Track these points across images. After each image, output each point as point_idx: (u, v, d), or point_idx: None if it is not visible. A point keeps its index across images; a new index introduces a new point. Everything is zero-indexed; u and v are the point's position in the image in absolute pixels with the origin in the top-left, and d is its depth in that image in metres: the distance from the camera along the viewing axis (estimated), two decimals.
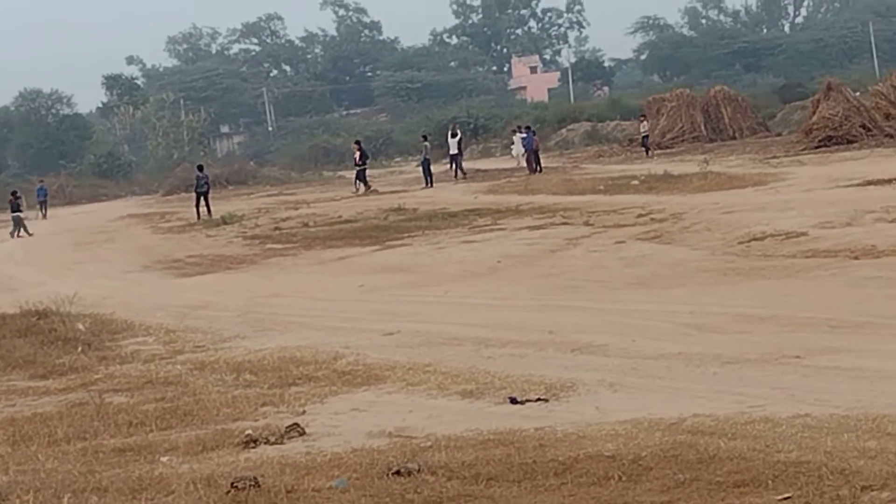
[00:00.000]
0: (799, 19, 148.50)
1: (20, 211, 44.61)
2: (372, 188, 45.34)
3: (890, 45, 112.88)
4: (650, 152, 53.79)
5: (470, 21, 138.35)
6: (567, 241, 24.55)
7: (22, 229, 42.97)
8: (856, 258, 17.94)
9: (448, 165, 51.96)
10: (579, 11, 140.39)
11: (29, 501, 8.92)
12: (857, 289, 15.66)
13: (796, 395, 10.17)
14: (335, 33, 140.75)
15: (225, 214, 38.88)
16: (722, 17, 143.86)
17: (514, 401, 11.11)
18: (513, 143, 58.80)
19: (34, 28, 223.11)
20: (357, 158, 46.95)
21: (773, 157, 44.93)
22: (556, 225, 27.51)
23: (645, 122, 57.94)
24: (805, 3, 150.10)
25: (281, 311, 19.36)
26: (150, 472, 9.45)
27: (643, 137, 56.27)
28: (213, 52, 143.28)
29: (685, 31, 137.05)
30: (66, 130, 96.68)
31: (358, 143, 49.60)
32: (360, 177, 46.51)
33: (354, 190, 46.02)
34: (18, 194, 46.66)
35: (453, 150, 51.05)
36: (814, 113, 49.65)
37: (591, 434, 9.50)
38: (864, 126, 47.03)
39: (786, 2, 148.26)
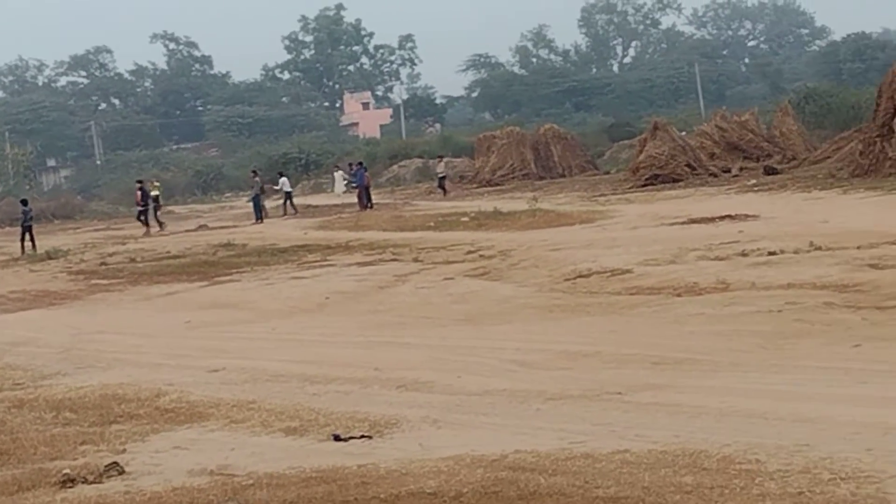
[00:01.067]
0: (627, 59, 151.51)
1: None
2: (152, 230, 43.44)
3: (715, 86, 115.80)
4: (447, 193, 53.92)
5: (302, 57, 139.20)
6: (396, 277, 24.55)
7: None
8: (678, 295, 18.14)
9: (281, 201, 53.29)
10: (411, 49, 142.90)
11: None
12: (679, 325, 15.83)
13: (617, 430, 10.24)
14: (165, 67, 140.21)
15: (50, 249, 38.19)
16: (552, 56, 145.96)
17: (337, 438, 11.10)
18: (334, 181, 60.49)
19: None
20: (138, 198, 45.90)
21: (601, 195, 45.99)
22: (385, 261, 27.52)
23: (441, 163, 57.96)
24: (633, 44, 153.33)
25: (105, 347, 18.96)
26: None
27: (440, 178, 56.26)
28: (40, 84, 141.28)
29: (516, 69, 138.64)
30: None
31: (140, 182, 48.54)
32: (141, 217, 45.15)
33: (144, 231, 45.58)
34: None
35: (287, 188, 50.74)
36: (641, 152, 50.98)
37: (413, 471, 9.46)
38: (689, 165, 48.58)
39: (614, 42, 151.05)
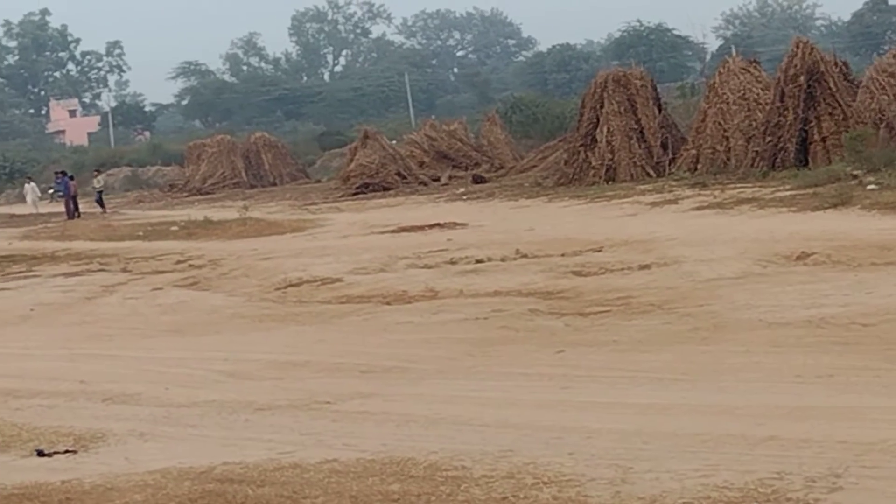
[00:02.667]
0: (338, 68, 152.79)
1: None
2: None
3: (425, 96, 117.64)
4: (105, 209, 51.79)
5: (6, 62, 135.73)
6: (103, 287, 24.01)
7: None
8: (388, 303, 18.20)
9: None
10: (119, 55, 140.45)
11: None
12: (388, 333, 15.84)
13: (325, 440, 10.23)
14: None
15: None
16: (263, 64, 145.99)
17: (41, 453, 10.80)
18: (26, 193, 57.48)
19: None
20: None
21: (312, 204, 46.02)
22: (93, 272, 26.93)
23: (99, 177, 55.22)
24: (344, 53, 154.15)
25: None
26: None
27: (98, 193, 53.55)
28: None
29: (227, 77, 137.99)
30: None
31: None
32: None
33: None
34: None
35: None
36: (351, 160, 51.52)
37: (119, 485, 9.26)
38: (399, 173, 49.33)
39: (325, 51, 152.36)
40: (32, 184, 59.89)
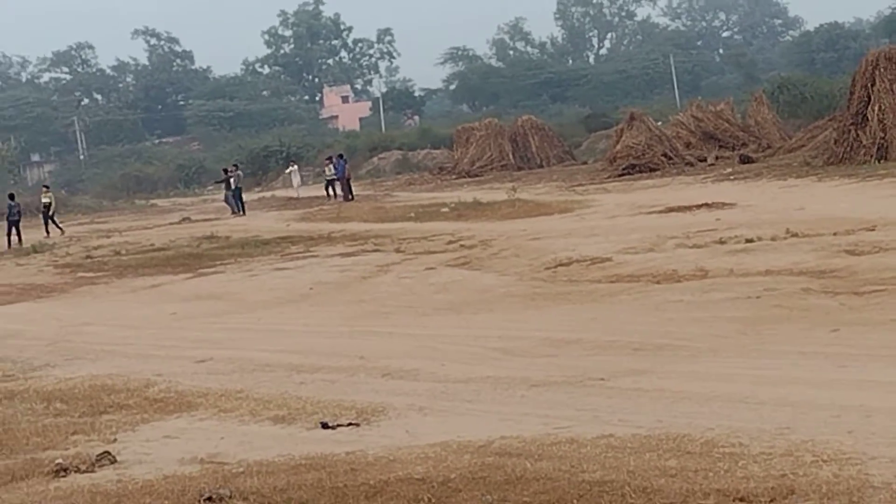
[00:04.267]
0: (603, 51, 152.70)
1: None
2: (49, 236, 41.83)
3: (690, 77, 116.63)
4: (336, 196, 51.41)
5: (282, 51, 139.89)
6: (378, 267, 24.76)
7: None
8: (658, 283, 18.36)
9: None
10: (390, 42, 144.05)
11: None
12: (659, 312, 16.04)
13: (600, 416, 10.38)
14: (147, 62, 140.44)
15: (35, 243, 38.44)
16: (529, 48, 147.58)
17: (325, 426, 11.19)
18: (291, 177, 59.04)
19: None
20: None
21: (579, 185, 46.35)
22: (367, 252, 27.74)
23: (330, 165, 53.26)
24: (609, 36, 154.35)
25: (92, 339, 19.19)
26: None
27: (328, 181, 52.84)
28: (24, 80, 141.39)
29: (493, 62, 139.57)
30: None
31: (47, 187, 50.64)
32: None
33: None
34: None
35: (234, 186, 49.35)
36: (617, 142, 51.21)
37: (401, 457, 9.59)
38: (665, 155, 48.87)
39: (590, 34, 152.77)
40: (295, 167, 60.99)
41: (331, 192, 52.33)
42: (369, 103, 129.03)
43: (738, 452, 8.78)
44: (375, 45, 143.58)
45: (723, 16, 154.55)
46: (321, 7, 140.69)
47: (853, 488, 7.69)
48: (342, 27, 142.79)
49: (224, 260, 29.09)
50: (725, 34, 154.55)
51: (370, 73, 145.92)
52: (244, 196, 50.06)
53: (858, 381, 11.07)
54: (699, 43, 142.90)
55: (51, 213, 43.24)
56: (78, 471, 10.24)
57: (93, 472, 10.18)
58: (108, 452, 10.69)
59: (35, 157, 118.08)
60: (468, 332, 16.49)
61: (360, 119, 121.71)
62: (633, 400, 11.19)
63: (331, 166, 54.61)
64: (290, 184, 60.46)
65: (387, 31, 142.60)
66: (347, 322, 18.69)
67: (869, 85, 39.03)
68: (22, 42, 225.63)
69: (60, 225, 44.82)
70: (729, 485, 8.01)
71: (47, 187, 48.84)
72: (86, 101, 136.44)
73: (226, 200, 50.28)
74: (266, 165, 79.13)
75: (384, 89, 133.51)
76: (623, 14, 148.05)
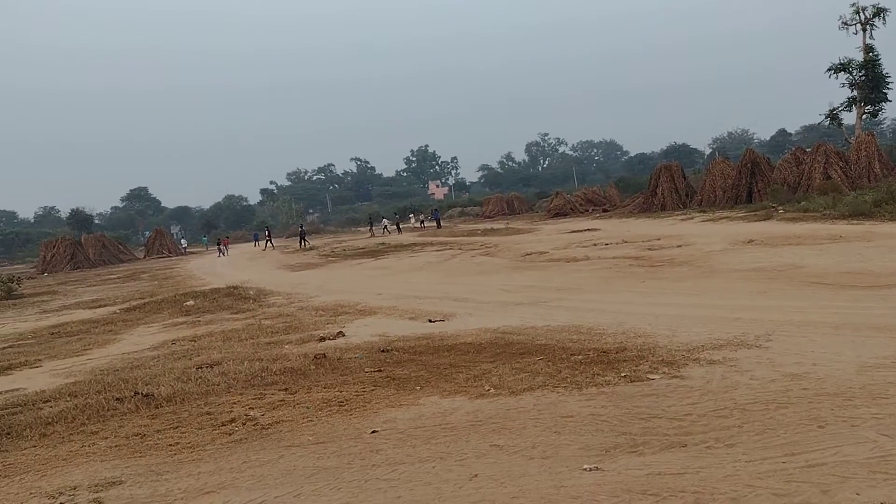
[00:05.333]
0: (545, 165, 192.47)
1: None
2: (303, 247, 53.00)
3: (581, 176, 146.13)
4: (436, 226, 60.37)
5: (413, 165, 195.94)
6: (451, 255, 31.31)
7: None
8: (567, 262, 23.49)
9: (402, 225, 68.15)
10: (455, 160, 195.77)
11: (230, 362, 12.00)
12: (568, 274, 20.56)
13: (544, 317, 13.58)
14: (353, 171, 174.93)
15: (309, 246, 54.73)
16: (514, 164, 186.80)
17: (430, 321, 14.25)
18: (413, 219, 68.96)
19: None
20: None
21: (534, 222, 60.02)
22: (446, 249, 35.80)
23: (430, 214, 64.52)
24: (548, 159, 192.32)
25: (332, 285, 24.46)
26: (280, 352, 12.50)
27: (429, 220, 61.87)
28: (306, 178, 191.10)
29: (498, 170, 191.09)
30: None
31: (301, 226, 62.81)
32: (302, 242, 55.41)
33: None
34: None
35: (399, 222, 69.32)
36: (552, 202, 73.76)
37: (462, 334, 12.49)
38: (572, 208, 71.57)
39: (539, 157, 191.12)
40: (414, 214, 73.66)
41: (425, 225, 63.81)
42: (446, 189, 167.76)
43: (602, 332, 11.50)
44: (450, 163, 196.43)
45: (595, 150, 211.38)
46: (427, 147, 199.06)
47: (650, 346, 10.24)
48: (436, 154, 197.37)
49: (388, 253, 38.74)
50: (597, 158, 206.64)
51: (448, 174, 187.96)
52: (395, 228, 64.82)
53: (654, 303, 13.92)
54: (584, 161, 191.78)
55: (305, 234, 59.51)
56: (329, 339, 13.44)
57: (335, 340, 13.25)
58: (341, 332, 13.80)
59: (311, 211, 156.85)
60: (489, 282, 20.52)
61: (444, 195, 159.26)
62: (558, 311, 14.18)
63: (430, 214, 68.91)
64: (414, 222, 77.89)
65: (454, 158, 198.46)
66: (440, 278, 23.24)
67: (657, 178, 56.21)
68: (306, 159, 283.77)
69: (309, 241, 57.62)
70: (598, 345, 10.53)
71: (301, 225, 69.01)
72: (332, 187, 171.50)
73: (384, 229, 66.66)
74: (406, 215, 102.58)
75: (452, 182, 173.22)
76: (554, 148, 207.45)
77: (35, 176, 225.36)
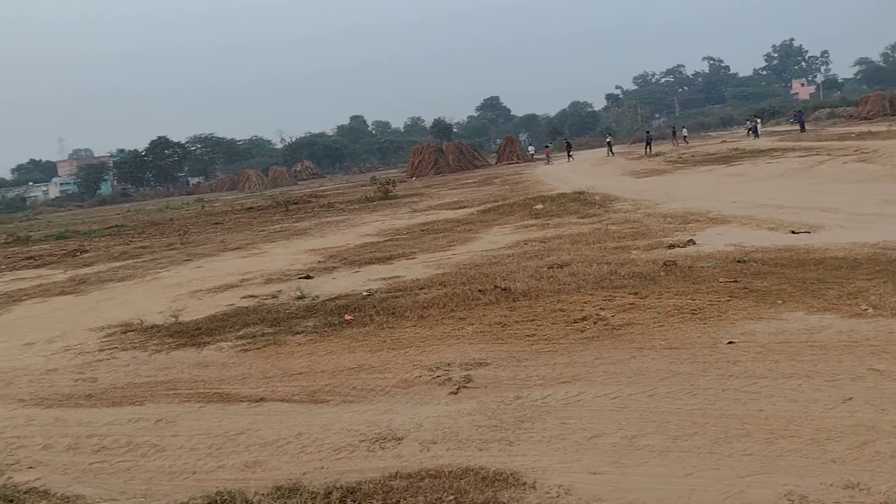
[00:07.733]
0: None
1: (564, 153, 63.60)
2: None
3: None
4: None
5: (773, 62, 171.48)
6: (818, 162, 28.56)
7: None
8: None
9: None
10: (825, 55, 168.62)
11: (579, 264, 12.30)
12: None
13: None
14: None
15: (652, 153, 54.77)
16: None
17: (793, 232, 13.36)
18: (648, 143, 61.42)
19: None
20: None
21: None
22: (812, 155, 32.17)
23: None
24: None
25: (682, 192, 23.79)
26: (628, 257, 12.56)
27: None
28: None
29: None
30: None
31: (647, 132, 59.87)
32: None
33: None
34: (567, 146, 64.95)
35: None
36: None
37: (831, 247, 11.70)
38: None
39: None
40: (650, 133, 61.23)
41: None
42: (812, 87, 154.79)
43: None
44: (818, 59, 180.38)
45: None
46: (792, 41, 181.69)
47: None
48: (803, 48, 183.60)
49: (742, 160, 37.44)
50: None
51: (817, 71, 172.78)
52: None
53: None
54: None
55: (650, 140, 56.31)
56: (679, 246, 13.34)
57: (685, 248, 13.22)
58: (692, 240, 13.69)
59: (655, 115, 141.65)
60: (865, 190, 19.39)
61: (810, 94, 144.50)
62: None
63: (793, 116, 60.44)
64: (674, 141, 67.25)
65: (824, 53, 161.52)
66: (803, 186, 21.82)
67: None
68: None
69: (681, 143, 55.79)
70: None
71: (648, 132, 64.74)
72: (681, 90, 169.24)
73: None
74: (752, 120, 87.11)
75: (822, 80, 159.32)
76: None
77: (404, 92, 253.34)
